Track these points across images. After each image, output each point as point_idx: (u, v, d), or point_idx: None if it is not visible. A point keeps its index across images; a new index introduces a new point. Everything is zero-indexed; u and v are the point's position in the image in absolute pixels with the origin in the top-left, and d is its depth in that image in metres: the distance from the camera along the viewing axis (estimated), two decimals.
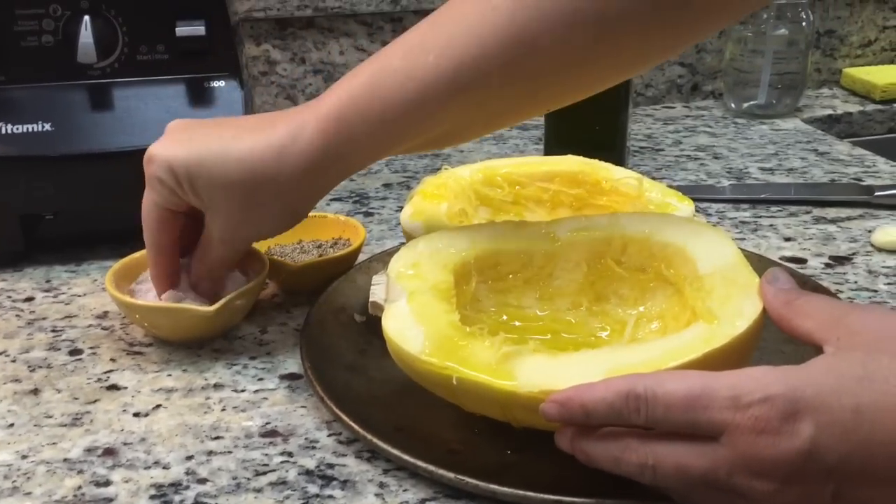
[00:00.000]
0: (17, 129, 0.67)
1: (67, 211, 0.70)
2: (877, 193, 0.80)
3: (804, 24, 1.03)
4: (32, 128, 0.67)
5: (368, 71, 0.51)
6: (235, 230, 0.54)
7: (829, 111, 1.11)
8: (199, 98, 0.70)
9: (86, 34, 0.67)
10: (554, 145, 0.89)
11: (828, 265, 0.70)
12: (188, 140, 0.53)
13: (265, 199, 0.52)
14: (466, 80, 0.49)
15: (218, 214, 0.53)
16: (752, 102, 1.07)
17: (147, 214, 0.55)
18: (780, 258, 0.70)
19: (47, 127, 0.67)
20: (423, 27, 0.51)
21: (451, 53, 0.49)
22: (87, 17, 0.67)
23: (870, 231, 0.75)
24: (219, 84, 0.71)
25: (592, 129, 0.87)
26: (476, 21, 0.49)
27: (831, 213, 0.79)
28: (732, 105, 1.09)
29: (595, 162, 0.68)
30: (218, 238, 0.55)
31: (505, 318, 0.53)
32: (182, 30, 0.69)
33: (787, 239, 0.75)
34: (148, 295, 0.59)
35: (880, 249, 0.72)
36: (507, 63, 0.49)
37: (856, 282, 0.67)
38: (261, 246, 0.66)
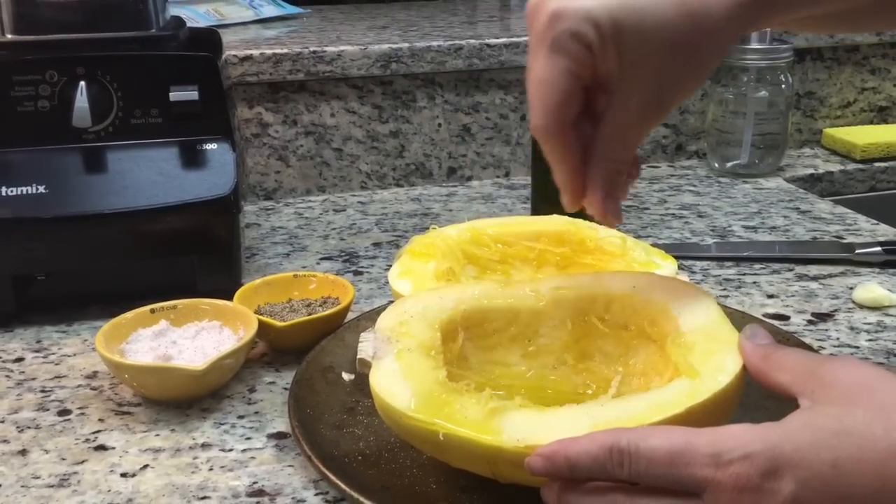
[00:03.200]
0: (12, 191, 0.68)
1: (59, 272, 0.71)
2: (858, 251, 0.82)
3: (784, 86, 1.06)
4: (26, 190, 0.68)
5: None
6: (662, 85, 0.45)
7: (811, 170, 1.13)
8: (192, 160, 0.72)
9: (81, 99, 0.69)
10: (541, 204, 0.90)
11: (810, 322, 0.71)
12: None
13: (698, 39, 0.44)
14: None
15: (643, 74, 0.45)
16: (734, 162, 1.09)
17: (548, 86, 0.45)
18: (764, 315, 0.71)
19: (41, 189, 0.68)
20: None
21: None
22: (82, 83, 0.69)
23: (851, 288, 0.76)
24: (211, 147, 0.73)
25: None
26: None
27: (813, 270, 0.81)
28: (716, 165, 1.11)
29: (580, 221, 0.69)
30: (640, 103, 0.45)
31: (493, 370, 0.54)
32: (176, 94, 0.71)
33: (771, 296, 0.76)
34: (137, 355, 0.59)
35: (861, 306, 0.73)
36: None
37: (838, 338, 0.68)
38: (250, 304, 0.67)
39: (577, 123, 0.47)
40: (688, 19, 0.44)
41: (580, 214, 0.59)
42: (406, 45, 1.03)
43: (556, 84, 0.44)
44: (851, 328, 0.69)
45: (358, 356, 0.50)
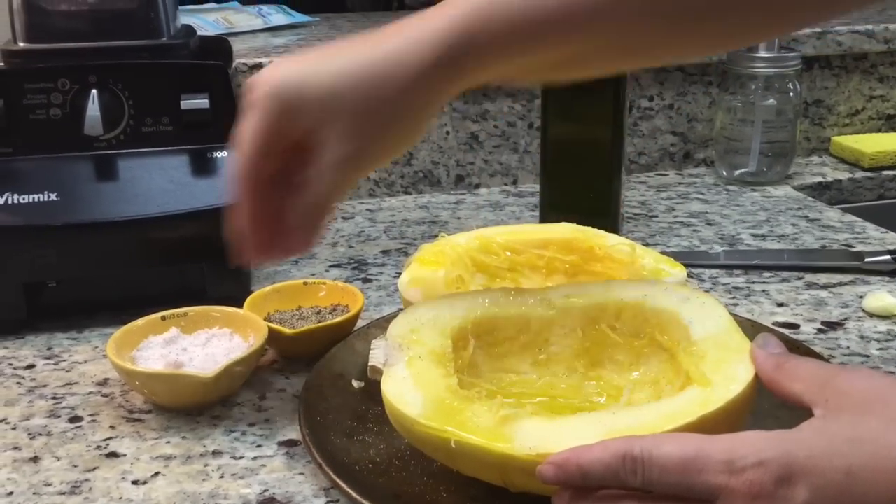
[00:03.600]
0: (24, 198, 0.68)
1: (70, 279, 0.71)
2: (867, 260, 0.82)
3: (792, 94, 1.06)
4: (38, 198, 0.69)
5: None
6: (351, 152, 0.48)
7: (820, 178, 1.13)
8: (202, 168, 0.72)
9: (93, 107, 0.69)
10: (549, 212, 0.90)
11: (820, 331, 0.71)
12: (300, 60, 0.48)
13: (386, 111, 0.47)
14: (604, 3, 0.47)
15: (333, 135, 0.48)
16: (743, 170, 1.09)
17: (247, 145, 0.49)
18: (774, 324, 0.71)
19: (53, 197, 0.69)
20: None
21: None
22: (94, 91, 0.69)
23: (861, 297, 0.76)
24: (221, 154, 0.73)
25: (587, 196, 0.88)
26: None
27: (823, 278, 0.80)
28: (724, 172, 1.11)
29: (588, 229, 0.69)
30: (330, 163, 0.48)
31: (504, 378, 0.54)
32: (187, 103, 0.71)
33: (780, 304, 0.75)
34: (148, 362, 0.59)
35: (871, 315, 0.73)
36: None
37: (848, 347, 0.68)
38: (260, 312, 0.67)
39: (280, 182, 0.50)
40: (373, 89, 0.47)
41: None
42: None
43: (250, 140, 0.48)
44: (862, 337, 0.69)
45: (369, 363, 0.51)
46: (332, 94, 0.47)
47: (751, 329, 0.59)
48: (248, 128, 0.48)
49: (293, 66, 0.48)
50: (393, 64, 0.47)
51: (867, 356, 0.66)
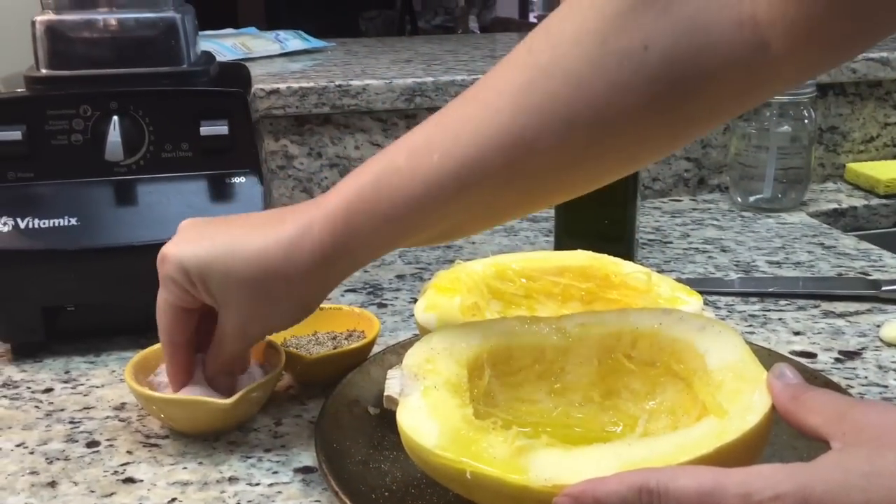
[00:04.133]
0: (44, 223, 0.69)
1: (88, 303, 0.72)
2: (884, 288, 0.81)
3: (806, 121, 1.06)
4: (58, 222, 0.69)
5: (374, 169, 0.53)
6: (247, 326, 0.56)
7: (835, 205, 1.13)
8: (221, 194, 0.73)
9: (114, 133, 0.70)
10: (564, 237, 0.90)
11: (837, 360, 0.70)
12: (199, 238, 0.55)
13: (276, 294, 0.54)
14: (469, 180, 0.51)
15: (230, 311, 0.55)
16: (757, 196, 1.09)
17: (161, 313, 0.56)
18: (790, 353, 0.71)
19: (73, 221, 0.69)
20: (428, 127, 0.53)
21: (455, 153, 0.50)
22: (115, 118, 0.70)
23: (878, 326, 0.76)
24: (240, 180, 0.73)
25: (601, 222, 0.89)
26: (479, 123, 0.50)
27: (839, 307, 0.80)
28: (738, 199, 1.11)
29: (604, 257, 0.69)
30: (230, 334, 0.56)
31: (519, 408, 0.54)
32: (206, 129, 0.72)
33: (797, 333, 0.75)
34: (166, 388, 0.60)
35: (889, 345, 0.72)
36: (507, 163, 0.50)
37: (866, 377, 0.67)
38: (277, 338, 0.67)
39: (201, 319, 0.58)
40: (264, 279, 0.53)
41: None
42: (430, 79, 1.05)
43: (163, 312, 0.56)
44: (879, 367, 0.69)
45: (385, 393, 0.51)
46: (233, 285, 0.53)
47: (768, 358, 0.59)
48: (160, 302, 0.56)
49: (197, 248, 0.54)
50: (282, 261, 0.53)
51: (885, 386, 0.66)
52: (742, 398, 0.47)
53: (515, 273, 0.68)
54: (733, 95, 0.50)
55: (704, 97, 0.49)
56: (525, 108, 0.50)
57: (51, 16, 0.72)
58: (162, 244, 0.69)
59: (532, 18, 5.58)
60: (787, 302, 0.82)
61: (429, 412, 0.48)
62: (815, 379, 0.60)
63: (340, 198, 0.53)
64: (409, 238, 0.54)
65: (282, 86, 1.00)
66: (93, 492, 0.54)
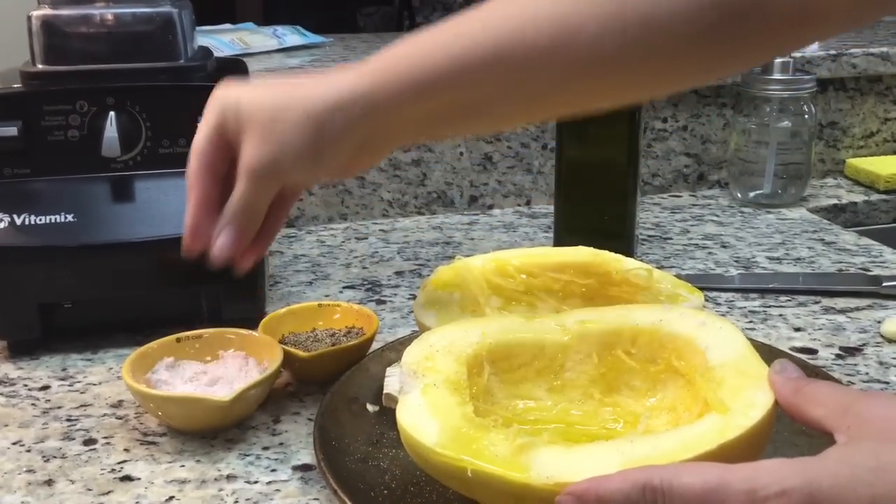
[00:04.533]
0: (41, 219, 0.68)
1: (85, 300, 0.72)
2: (885, 284, 0.81)
3: (806, 116, 1.06)
4: (55, 219, 0.69)
5: (418, 35, 0.54)
6: (255, 151, 0.55)
7: (835, 201, 1.13)
8: None
9: (110, 129, 0.70)
10: (563, 233, 0.90)
11: (838, 356, 0.70)
12: (245, 84, 0.57)
13: (284, 125, 0.54)
14: (509, 52, 0.51)
15: (248, 135, 0.55)
16: (757, 192, 1.08)
17: (195, 142, 0.57)
18: (791, 349, 0.70)
19: (70, 218, 0.69)
20: (478, 8, 0.54)
21: (499, 25, 0.52)
22: (112, 113, 0.70)
23: (879, 322, 0.75)
24: None
25: (601, 218, 0.88)
26: (529, 2, 0.52)
27: (840, 303, 0.80)
28: (738, 195, 1.11)
29: (605, 253, 0.69)
30: (243, 164, 0.55)
31: (520, 406, 0.53)
32: None
33: (797, 329, 0.75)
34: (164, 386, 0.59)
35: (890, 340, 0.72)
36: (550, 44, 0.51)
37: (867, 373, 0.67)
38: (274, 334, 0.67)
39: (225, 181, 0.58)
40: (280, 108, 0.54)
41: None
42: None
43: (199, 139, 0.57)
44: (881, 363, 0.69)
45: (384, 391, 0.50)
46: (257, 108, 0.55)
47: (769, 354, 0.58)
48: (199, 129, 0.57)
49: (242, 87, 0.56)
50: (301, 96, 0.54)
51: (887, 383, 0.66)
52: (744, 394, 0.46)
53: (515, 269, 0.68)
54: (786, 30, 0.50)
55: (756, 27, 0.50)
56: None
57: (47, 10, 0.71)
58: (159, 240, 0.69)
59: None
60: (787, 298, 0.81)
61: (428, 410, 0.47)
62: (817, 375, 0.60)
63: (379, 59, 0.54)
64: (434, 97, 0.54)
65: None
66: (90, 490, 0.54)
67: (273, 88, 0.56)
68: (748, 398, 0.46)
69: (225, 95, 0.56)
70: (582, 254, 0.69)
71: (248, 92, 0.56)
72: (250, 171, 0.55)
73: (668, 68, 0.53)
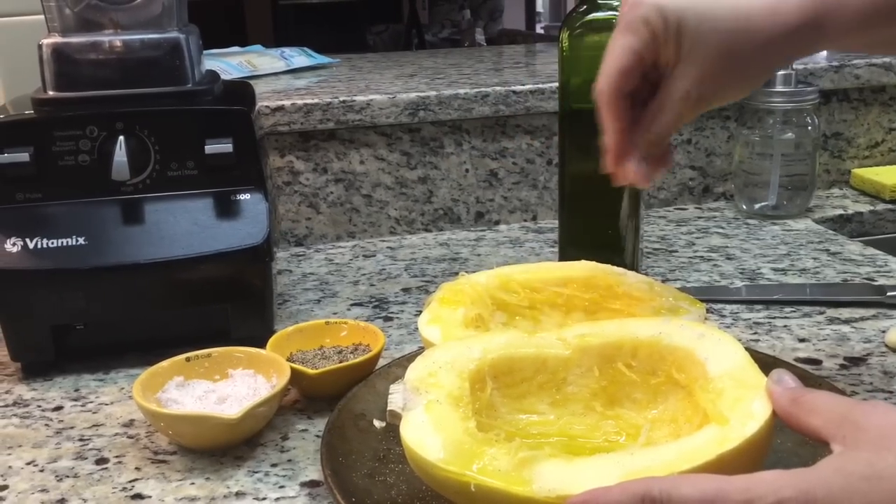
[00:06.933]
0: (52, 243, 0.70)
1: (97, 321, 0.73)
2: (889, 293, 0.81)
3: (810, 127, 1.06)
4: (66, 242, 0.70)
5: None
6: (700, 84, 0.53)
7: (840, 211, 1.13)
8: (226, 211, 0.74)
9: (120, 153, 0.71)
10: (568, 248, 0.91)
11: (843, 366, 0.70)
12: None
13: (746, 51, 0.52)
14: None
15: (688, 64, 0.53)
16: (762, 203, 1.09)
17: (614, 60, 0.54)
18: (795, 359, 0.71)
19: (81, 241, 0.70)
20: None
21: None
22: (121, 138, 0.71)
23: (883, 331, 0.76)
24: (245, 197, 0.74)
25: (606, 232, 0.89)
26: None
27: (845, 313, 0.80)
28: (744, 206, 1.11)
29: (608, 267, 0.70)
30: (682, 93, 0.53)
31: (522, 419, 0.54)
32: (211, 147, 0.73)
33: (802, 340, 0.75)
34: (174, 405, 0.60)
35: (895, 350, 0.72)
36: None
37: (871, 383, 0.67)
38: (282, 352, 0.68)
39: (635, 98, 0.55)
40: (742, 32, 0.51)
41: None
42: (433, 93, 1.05)
43: (619, 56, 0.53)
44: (885, 373, 0.69)
45: (388, 408, 0.51)
46: (709, 32, 0.52)
47: (773, 364, 0.59)
48: (618, 46, 0.53)
49: None
50: (761, 19, 0.51)
51: (891, 392, 0.66)
52: (743, 405, 0.47)
53: (519, 284, 0.68)
54: None
55: None
56: None
57: (57, 38, 0.73)
58: (169, 262, 0.71)
59: (539, 30, 5.59)
60: (792, 309, 0.82)
61: (432, 426, 0.48)
62: (820, 386, 0.60)
63: None
64: (889, 28, 0.52)
65: (287, 102, 1.01)
66: None
67: (716, 2, 0.52)
68: (747, 409, 0.47)
69: (659, 10, 0.52)
70: (584, 268, 0.69)
71: (689, 10, 0.52)
72: (688, 102, 0.53)
73: None
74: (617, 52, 0.53)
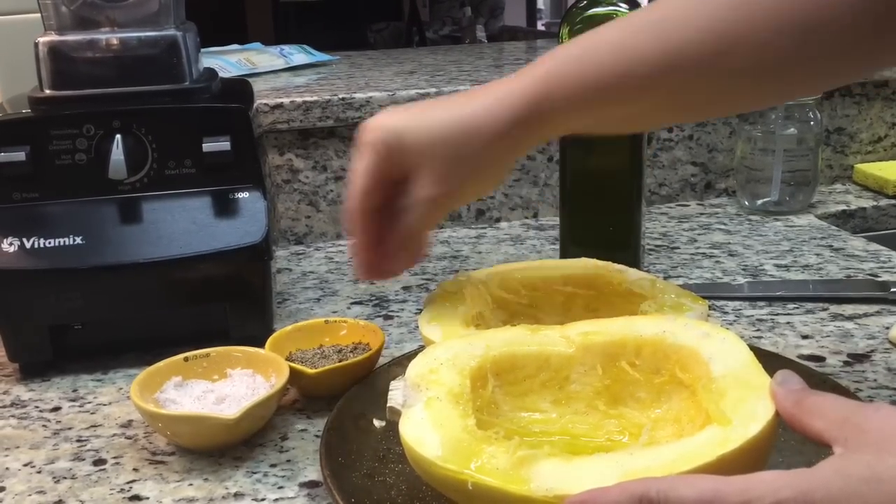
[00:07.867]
0: (50, 242, 0.69)
1: (95, 321, 0.72)
2: (893, 289, 0.81)
3: (812, 123, 1.05)
4: (64, 241, 0.70)
5: (582, 44, 0.55)
6: (441, 186, 0.57)
7: (843, 207, 1.12)
8: (224, 209, 0.73)
9: (117, 152, 0.71)
10: (569, 245, 0.90)
11: (846, 363, 0.70)
12: (399, 112, 0.58)
13: (469, 154, 0.56)
14: (672, 64, 0.53)
15: (426, 173, 0.56)
16: (765, 199, 1.08)
17: (356, 182, 0.58)
18: (798, 356, 0.70)
19: (78, 240, 0.70)
20: (640, 15, 0.55)
21: (663, 37, 0.53)
22: (118, 136, 0.71)
23: (887, 327, 0.75)
24: (243, 195, 0.74)
25: (607, 229, 0.88)
26: (688, 13, 0.53)
27: (848, 309, 0.80)
28: (746, 202, 1.10)
29: (609, 264, 0.69)
30: (420, 199, 0.57)
31: (524, 417, 0.53)
32: (208, 146, 0.72)
33: (805, 337, 0.75)
34: (172, 405, 0.60)
35: None
36: (710, 55, 0.52)
37: (875, 380, 0.67)
38: (281, 351, 0.67)
39: (384, 210, 0.59)
40: (465, 135, 0.55)
41: None
42: (433, 90, 1.05)
43: (360, 178, 0.57)
44: (889, 369, 0.68)
45: (388, 404, 0.51)
46: (429, 143, 0.56)
47: (776, 362, 0.58)
48: (360, 167, 0.58)
49: (398, 117, 0.57)
50: (480, 120, 0.55)
51: (895, 389, 0.65)
52: (746, 406, 0.46)
53: (519, 282, 0.68)
54: None
55: None
56: (732, 5, 0.52)
57: (54, 37, 0.72)
58: (167, 261, 0.70)
59: (540, 26, 5.58)
60: (795, 305, 0.81)
61: (431, 423, 0.48)
62: (824, 383, 0.60)
63: (545, 66, 0.56)
64: (603, 109, 0.56)
65: (286, 100, 1.01)
66: None
67: (432, 113, 0.57)
68: (749, 410, 0.46)
69: (382, 129, 0.56)
70: (586, 265, 0.69)
71: (406, 122, 0.57)
72: (429, 203, 0.57)
73: (828, 68, 0.54)
74: (358, 175, 0.58)
